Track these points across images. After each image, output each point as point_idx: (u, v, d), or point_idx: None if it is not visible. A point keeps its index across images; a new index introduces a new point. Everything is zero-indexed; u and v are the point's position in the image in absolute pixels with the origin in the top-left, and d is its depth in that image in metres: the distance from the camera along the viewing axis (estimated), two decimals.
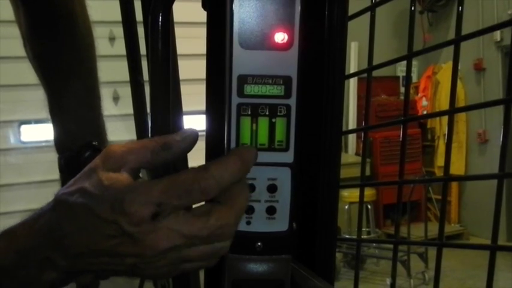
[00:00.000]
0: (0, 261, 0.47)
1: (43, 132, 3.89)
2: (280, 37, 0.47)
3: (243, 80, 0.48)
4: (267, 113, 0.49)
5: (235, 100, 0.48)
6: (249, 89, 0.48)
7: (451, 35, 0.75)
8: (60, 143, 0.87)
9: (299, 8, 0.47)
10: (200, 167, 0.46)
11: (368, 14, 0.69)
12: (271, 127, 0.49)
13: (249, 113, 0.49)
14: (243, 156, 0.47)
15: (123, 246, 0.45)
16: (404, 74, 6.32)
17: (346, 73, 0.65)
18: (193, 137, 0.48)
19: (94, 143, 0.85)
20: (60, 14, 0.86)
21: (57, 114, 0.88)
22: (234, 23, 0.47)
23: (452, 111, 0.60)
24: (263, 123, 0.49)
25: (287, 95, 0.48)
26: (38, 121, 3.89)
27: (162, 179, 0.45)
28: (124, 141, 0.48)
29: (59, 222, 0.46)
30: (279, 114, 0.49)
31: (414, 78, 6.45)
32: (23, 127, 4.15)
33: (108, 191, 0.45)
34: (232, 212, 0.47)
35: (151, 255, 0.45)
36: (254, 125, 0.49)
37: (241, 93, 0.48)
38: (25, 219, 0.48)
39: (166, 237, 0.45)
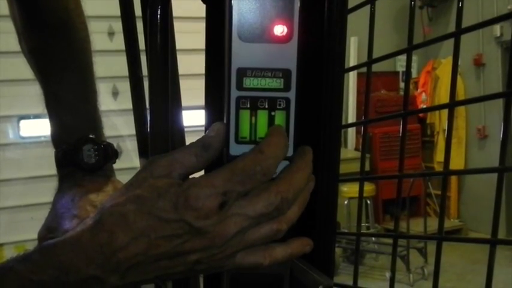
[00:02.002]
0: (38, 276, 0.45)
1: (42, 127, 3.88)
2: (280, 30, 0.47)
3: (242, 73, 0.48)
4: (266, 106, 0.48)
5: (235, 93, 0.48)
6: (248, 82, 0.48)
7: (451, 29, 0.75)
8: (57, 137, 0.87)
9: (298, 0, 0.47)
10: (254, 151, 0.46)
11: (368, 9, 0.69)
12: (271, 120, 0.49)
13: (248, 106, 0.48)
14: (282, 133, 0.47)
15: (189, 243, 0.45)
16: (403, 69, 6.33)
17: (346, 67, 0.65)
18: (223, 128, 0.48)
19: (91, 136, 0.85)
20: (54, 7, 0.86)
21: (54, 108, 0.87)
22: (233, 16, 0.47)
23: (453, 104, 0.60)
24: (262, 116, 0.49)
25: (286, 88, 0.48)
26: (37, 116, 3.89)
27: (220, 170, 0.46)
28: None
29: (109, 235, 0.44)
30: (278, 107, 0.49)
31: (414, 74, 6.45)
32: (22, 122, 4.15)
33: (166, 192, 0.44)
34: (290, 186, 0.47)
35: (220, 244, 0.45)
36: (253, 118, 0.49)
37: (240, 86, 0.48)
38: (66, 235, 0.46)
39: (234, 223, 0.45)
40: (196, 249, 0.45)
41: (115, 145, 0.89)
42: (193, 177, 0.47)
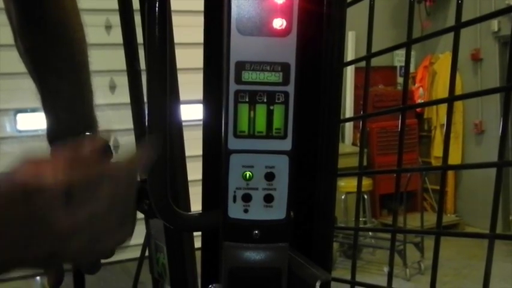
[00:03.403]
0: None
1: (39, 121, 3.87)
2: (279, 23, 0.47)
3: (240, 66, 0.48)
4: (265, 100, 0.48)
5: (233, 87, 0.48)
6: (246, 75, 0.48)
7: (449, 24, 0.75)
8: (53, 135, 0.87)
9: None
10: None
11: (365, 4, 0.69)
12: (269, 114, 0.49)
13: (247, 100, 0.48)
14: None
15: (38, 225, 0.45)
16: (401, 64, 6.32)
17: (344, 62, 0.65)
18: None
19: (87, 134, 0.85)
20: (50, 8, 0.86)
21: (50, 108, 0.87)
22: (232, 9, 0.47)
23: (451, 99, 0.60)
24: (261, 110, 0.48)
25: (285, 81, 0.48)
26: (34, 110, 3.88)
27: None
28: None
29: None
30: (277, 101, 0.48)
31: (411, 68, 6.44)
32: (19, 116, 4.14)
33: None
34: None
35: (67, 235, 0.46)
36: (252, 112, 0.48)
37: (239, 80, 0.48)
38: None
39: (80, 213, 0.46)
40: (45, 239, 0.46)
41: (112, 139, 0.89)
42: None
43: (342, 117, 0.66)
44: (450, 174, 5.99)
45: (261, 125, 0.49)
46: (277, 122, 0.49)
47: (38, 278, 4.18)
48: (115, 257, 0.79)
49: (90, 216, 0.46)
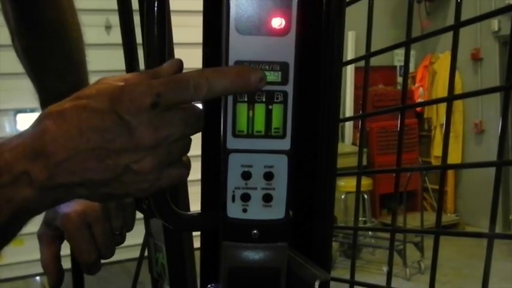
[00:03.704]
0: None
1: None
2: (278, 22, 0.47)
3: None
4: (264, 100, 0.48)
5: None
6: None
7: (449, 24, 0.75)
8: None
9: None
10: (197, 70, 0.48)
11: (365, 3, 0.69)
12: (268, 114, 0.49)
13: (246, 99, 0.48)
14: (242, 72, 0.47)
15: (118, 140, 0.45)
16: (401, 63, 6.31)
17: (344, 61, 0.65)
18: (178, 62, 0.50)
19: None
20: (47, 7, 0.86)
21: (48, 107, 0.88)
22: (231, 8, 0.47)
23: (451, 98, 0.60)
24: (260, 109, 0.48)
25: (284, 81, 0.48)
26: (33, 110, 3.88)
27: (160, 76, 0.48)
28: None
29: (44, 130, 0.45)
30: (275, 100, 0.48)
31: (411, 68, 6.44)
32: (19, 116, 4.14)
33: (105, 89, 0.45)
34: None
35: (148, 147, 0.45)
36: (251, 112, 0.48)
37: None
38: (7, 138, 0.47)
39: (162, 128, 0.46)
40: (124, 148, 0.45)
41: None
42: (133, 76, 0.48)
43: (341, 117, 0.66)
44: (450, 173, 5.99)
45: (259, 124, 0.49)
46: (276, 122, 0.49)
47: (37, 277, 4.18)
48: (114, 257, 0.79)
49: (168, 135, 0.46)
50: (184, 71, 0.50)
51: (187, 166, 0.51)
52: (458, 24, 0.59)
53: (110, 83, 0.47)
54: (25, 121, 4.12)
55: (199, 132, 0.50)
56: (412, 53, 6.36)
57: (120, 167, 0.46)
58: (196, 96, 0.46)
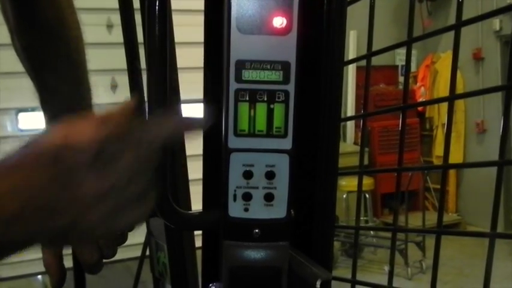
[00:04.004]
0: None
1: (41, 120, 3.87)
2: (279, 22, 0.47)
3: (241, 65, 0.48)
4: (265, 99, 0.48)
5: (233, 86, 0.48)
6: (247, 74, 0.48)
7: (450, 23, 0.75)
8: None
9: None
10: (142, 120, 0.50)
11: (367, 2, 0.69)
12: (270, 113, 0.49)
13: (247, 98, 0.48)
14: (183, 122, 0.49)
15: (63, 196, 0.45)
16: (403, 63, 6.31)
17: (345, 60, 0.65)
18: (132, 104, 0.51)
19: None
20: (47, 6, 0.86)
21: (48, 104, 0.88)
22: (232, 7, 0.47)
23: (453, 97, 0.60)
24: (261, 109, 0.48)
25: (285, 80, 0.48)
26: (35, 109, 3.88)
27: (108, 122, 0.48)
28: None
29: None
30: (277, 100, 0.48)
31: (413, 68, 6.43)
32: (21, 115, 4.14)
33: (46, 146, 0.46)
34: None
35: (90, 200, 0.45)
36: (252, 111, 0.48)
37: (239, 78, 0.48)
38: None
39: (106, 178, 0.45)
40: (69, 204, 0.45)
41: None
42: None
43: (342, 116, 0.66)
44: (452, 173, 5.99)
45: (261, 123, 0.49)
46: (278, 121, 0.49)
47: (39, 276, 4.18)
48: (116, 256, 0.79)
49: (115, 183, 0.46)
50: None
51: (148, 205, 0.51)
52: (460, 24, 0.59)
53: (52, 138, 0.47)
54: (27, 120, 4.12)
55: (154, 167, 0.50)
56: (414, 52, 6.36)
57: (68, 221, 0.46)
58: (139, 147, 0.47)
